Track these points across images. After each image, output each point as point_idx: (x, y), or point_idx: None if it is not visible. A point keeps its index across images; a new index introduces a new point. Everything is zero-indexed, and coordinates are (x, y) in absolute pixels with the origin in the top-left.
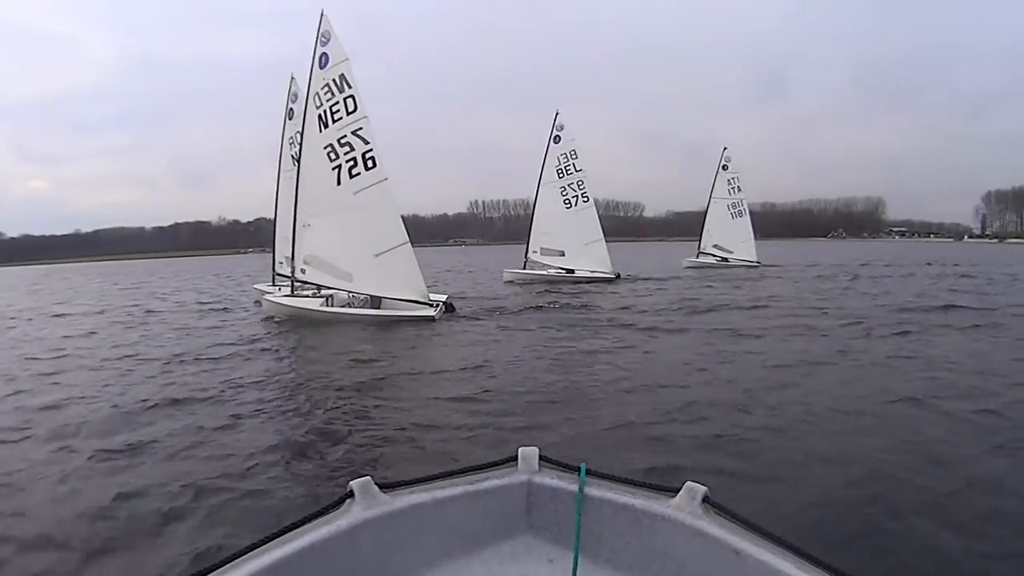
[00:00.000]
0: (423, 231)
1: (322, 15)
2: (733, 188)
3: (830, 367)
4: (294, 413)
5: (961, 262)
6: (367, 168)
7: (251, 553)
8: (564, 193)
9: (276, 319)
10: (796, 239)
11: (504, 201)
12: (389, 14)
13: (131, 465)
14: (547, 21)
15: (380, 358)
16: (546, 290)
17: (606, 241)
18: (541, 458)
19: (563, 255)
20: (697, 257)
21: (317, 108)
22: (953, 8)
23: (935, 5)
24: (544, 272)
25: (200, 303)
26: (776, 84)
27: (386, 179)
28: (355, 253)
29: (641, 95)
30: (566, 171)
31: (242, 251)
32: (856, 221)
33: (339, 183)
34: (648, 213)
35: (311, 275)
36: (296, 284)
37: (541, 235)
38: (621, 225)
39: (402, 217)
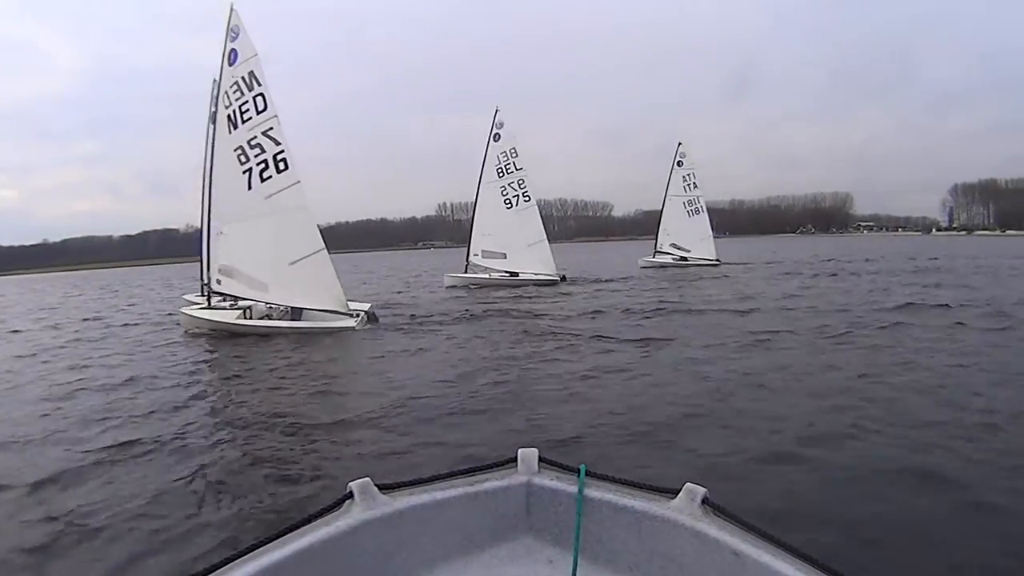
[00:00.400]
0: (392, 235)
1: (231, 9)
2: (689, 185)
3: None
4: (176, 447)
5: (935, 254)
6: (279, 171)
7: (251, 554)
8: (505, 193)
9: (195, 333)
10: (764, 236)
11: (472, 203)
12: (363, 17)
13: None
14: (516, 22)
15: (286, 376)
16: (486, 295)
17: (577, 242)
18: (541, 459)
19: (505, 257)
20: (653, 256)
21: (226, 108)
22: (919, 3)
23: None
24: (487, 276)
25: (128, 315)
26: (744, 82)
27: (299, 182)
28: (269, 262)
29: (609, 94)
30: (506, 170)
31: None
32: (824, 216)
33: (250, 187)
34: (617, 212)
35: (227, 286)
36: (213, 296)
37: (482, 237)
38: (589, 225)
39: (371, 222)
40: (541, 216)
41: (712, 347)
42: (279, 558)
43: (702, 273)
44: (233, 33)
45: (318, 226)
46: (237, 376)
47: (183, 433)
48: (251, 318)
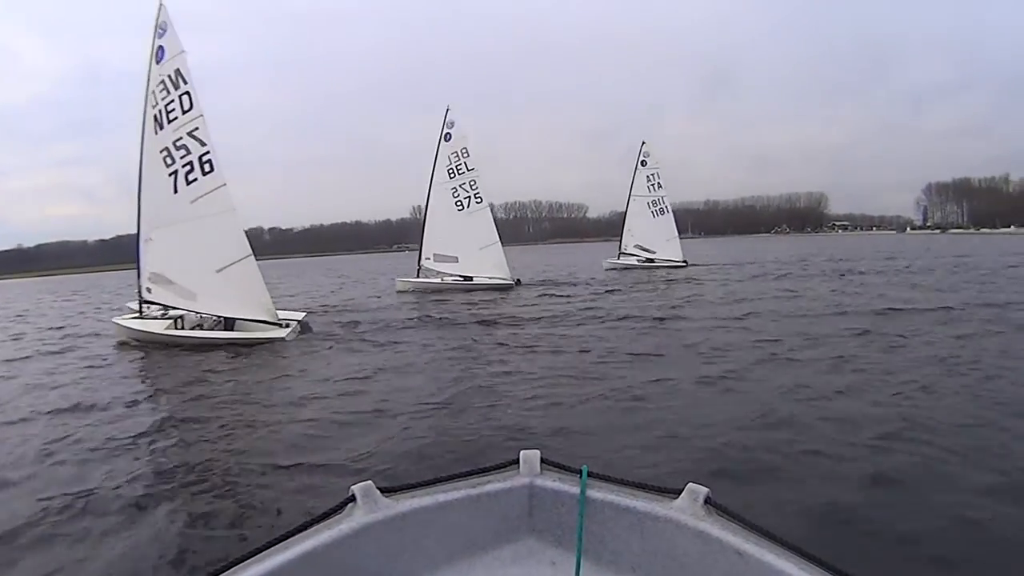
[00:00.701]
0: (367, 238)
1: (160, 5)
2: (653, 185)
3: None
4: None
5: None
6: (204, 173)
7: (254, 558)
8: (456, 194)
9: (128, 344)
10: (739, 236)
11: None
12: (336, 16)
13: None
14: (494, 24)
15: (203, 395)
16: (437, 300)
17: (552, 243)
18: (543, 461)
19: (457, 261)
20: (618, 258)
21: (153, 108)
22: (893, 3)
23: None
24: (439, 280)
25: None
26: (720, 82)
27: (224, 184)
28: (196, 269)
29: (585, 95)
30: (457, 171)
31: None
32: (799, 216)
33: (176, 191)
34: (592, 214)
35: (157, 294)
36: (145, 305)
37: (434, 240)
38: (564, 227)
39: (346, 224)
40: (516, 218)
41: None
42: (282, 562)
43: (664, 275)
44: (161, 30)
45: (294, 230)
46: (134, 403)
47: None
48: (183, 328)
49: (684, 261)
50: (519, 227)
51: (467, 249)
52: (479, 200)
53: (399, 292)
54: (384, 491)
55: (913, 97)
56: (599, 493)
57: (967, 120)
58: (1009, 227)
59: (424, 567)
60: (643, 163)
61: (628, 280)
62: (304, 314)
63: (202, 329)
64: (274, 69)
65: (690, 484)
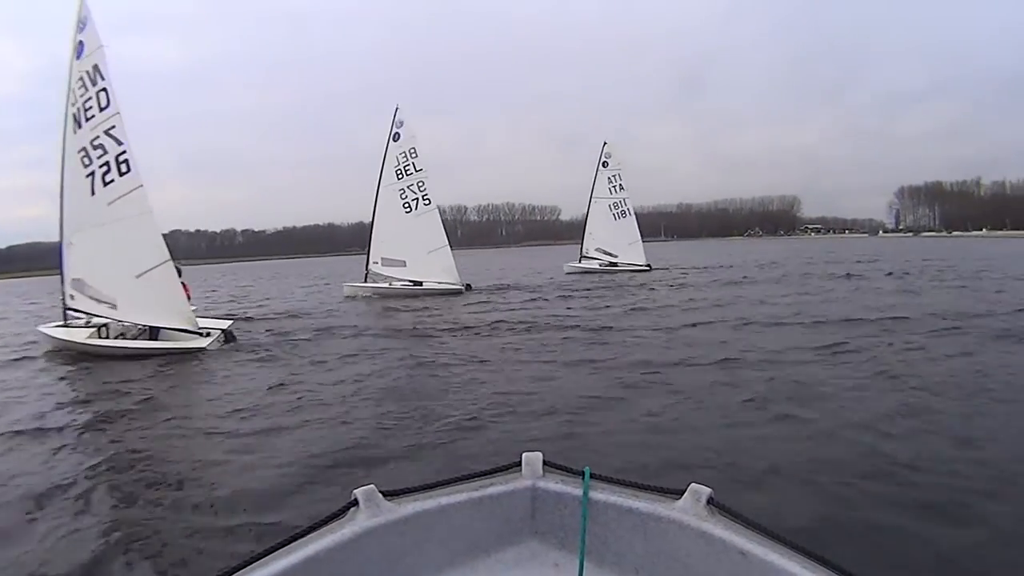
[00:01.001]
0: (340, 240)
1: (80, 0)
2: (614, 187)
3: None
4: None
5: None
6: (121, 174)
7: (257, 563)
8: (404, 196)
9: (55, 353)
10: (712, 239)
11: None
12: (310, 14)
13: None
14: (470, 24)
15: (108, 410)
16: (382, 307)
17: (524, 246)
18: (545, 463)
19: (405, 265)
20: (579, 262)
21: (72, 106)
22: (867, 8)
23: (850, 5)
24: (387, 285)
25: None
26: (694, 85)
27: (141, 186)
28: (116, 275)
29: (559, 97)
30: (406, 171)
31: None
32: (772, 220)
33: (93, 193)
34: (565, 216)
35: (80, 302)
36: (69, 312)
37: (381, 244)
38: (537, 229)
39: (319, 227)
40: (489, 221)
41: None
42: (285, 566)
43: (624, 280)
44: (81, 24)
45: (267, 232)
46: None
47: None
48: (108, 336)
49: (648, 265)
50: (492, 230)
51: (415, 253)
52: (427, 202)
53: (347, 297)
54: (386, 494)
55: (886, 101)
56: (602, 495)
57: (939, 124)
58: (981, 230)
59: (427, 570)
60: (604, 164)
61: (584, 285)
62: (230, 323)
63: (125, 338)
64: (247, 72)
65: (693, 484)
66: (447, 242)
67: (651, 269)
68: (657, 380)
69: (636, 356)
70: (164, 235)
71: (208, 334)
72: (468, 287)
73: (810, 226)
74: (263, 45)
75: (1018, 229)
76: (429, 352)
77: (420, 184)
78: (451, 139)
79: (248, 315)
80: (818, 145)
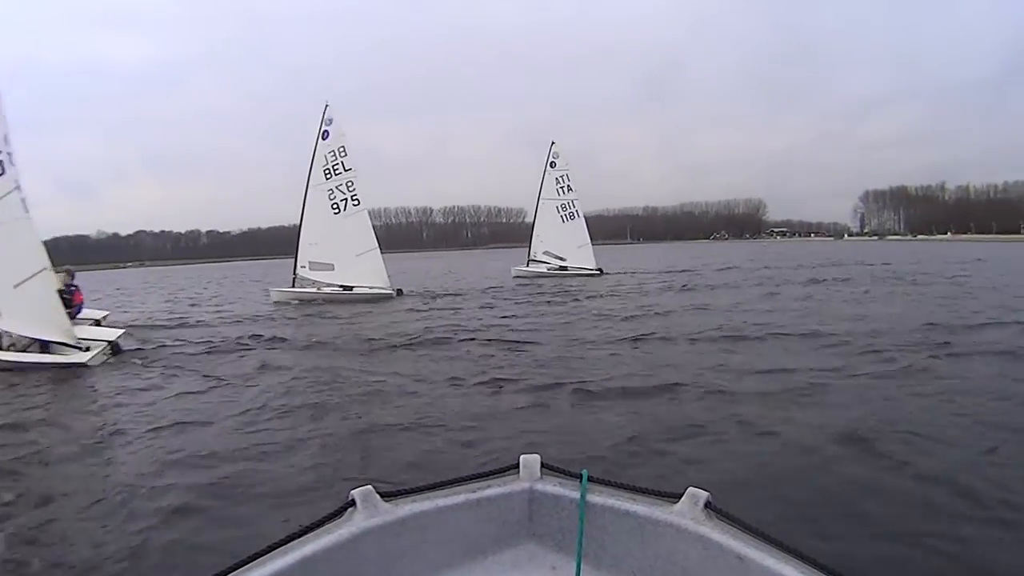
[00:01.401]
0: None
1: None
2: (563, 187)
3: None
4: None
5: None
6: None
7: (254, 563)
8: (332, 196)
9: None
10: (678, 241)
11: (386, 209)
12: (265, 15)
13: None
14: (432, 23)
15: None
16: (306, 314)
17: (491, 248)
18: (543, 465)
19: (333, 269)
20: (527, 265)
21: None
22: (833, 15)
23: (816, 11)
24: (316, 291)
25: None
26: (661, 89)
27: (17, 188)
28: None
29: (526, 99)
30: (334, 171)
31: (121, 266)
32: (738, 223)
33: None
34: (531, 218)
35: None
36: None
37: (309, 247)
38: (503, 231)
39: (283, 228)
40: (455, 223)
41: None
42: (282, 566)
43: (569, 285)
44: None
45: (232, 233)
46: None
47: None
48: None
49: (599, 269)
50: (458, 232)
51: (344, 256)
52: (356, 202)
53: (275, 303)
54: (384, 496)
55: (852, 107)
56: (599, 498)
57: (904, 129)
58: (946, 233)
59: (424, 572)
60: (552, 165)
61: (527, 291)
62: (121, 332)
63: (15, 349)
64: (215, 72)
65: (690, 488)
66: (377, 245)
67: (603, 273)
68: (564, 402)
69: (553, 373)
70: (128, 236)
71: (88, 348)
72: (399, 292)
73: (775, 229)
74: (229, 44)
75: (983, 232)
76: (327, 370)
77: (349, 184)
78: (418, 141)
79: (161, 323)
80: (784, 149)
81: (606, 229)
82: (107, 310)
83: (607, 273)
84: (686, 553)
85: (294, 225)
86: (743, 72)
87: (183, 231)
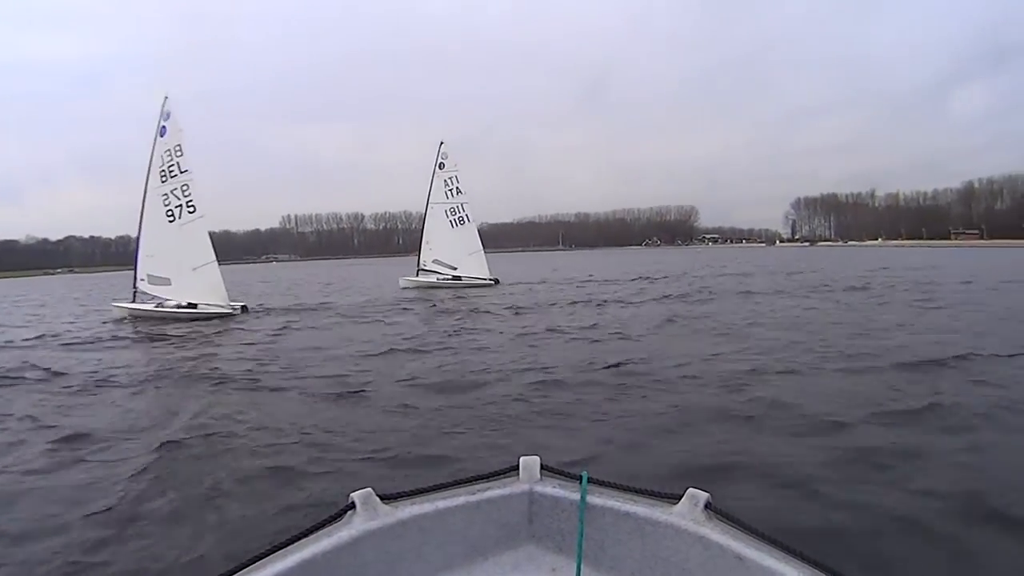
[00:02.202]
0: (236, 247)
1: None
2: (451, 190)
3: None
4: None
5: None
6: None
7: (253, 565)
8: (167, 201)
9: None
10: (609, 248)
11: (317, 215)
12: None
13: None
14: (364, 26)
15: None
16: (139, 332)
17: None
18: (542, 467)
19: (170, 284)
20: (416, 275)
21: None
22: (768, 25)
23: (752, 22)
24: (154, 307)
25: None
26: (594, 95)
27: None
28: None
29: (457, 103)
30: (170, 173)
31: (51, 272)
32: (670, 229)
33: None
34: None
35: None
36: None
37: (147, 258)
38: None
39: (212, 234)
40: (386, 229)
41: None
42: (281, 569)
43: (452, 297)
44: None
45: None
46: None
47: None
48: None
49: (494, 279)
50: (389, 238)
51: (180, 269)
52: (192, 209)
53: (116, 320)
54: (384, 498)
55: (784, 115)
56: (599, 499)
57: (836, 138)
58: (876, 239)
59: (424, 574)
60: (441, 166)
61: (405, 306)
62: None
63: None
64: (144, 72)
65: (690, 489)
66: (215, 257)
67: (498, 283)
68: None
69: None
70: (59, 241)
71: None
72: (244, 309)
73: (708, 235)
74: (161, 43)
75: (913, 239)
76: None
77: (184, 188)
78: (349, 145)
79: None
80: (716, 156)
81: (538, 235)
82: None
83: (504, 284)
84: (686, 554)
85: (226, 231)
86: (677, 80)
87: (113, 237)
